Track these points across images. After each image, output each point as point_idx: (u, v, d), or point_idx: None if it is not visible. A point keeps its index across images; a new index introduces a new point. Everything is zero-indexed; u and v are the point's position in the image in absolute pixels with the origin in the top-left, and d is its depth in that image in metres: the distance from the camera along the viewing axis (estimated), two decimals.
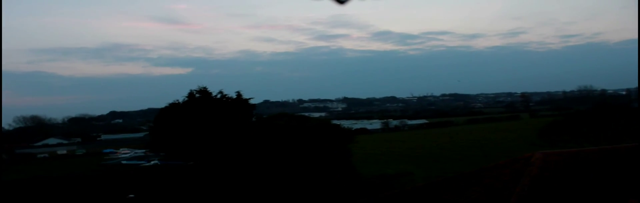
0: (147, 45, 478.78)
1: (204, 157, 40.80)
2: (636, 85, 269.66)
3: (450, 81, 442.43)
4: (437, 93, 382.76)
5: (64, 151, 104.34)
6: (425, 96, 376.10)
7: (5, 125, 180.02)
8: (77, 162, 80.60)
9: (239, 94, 46.12)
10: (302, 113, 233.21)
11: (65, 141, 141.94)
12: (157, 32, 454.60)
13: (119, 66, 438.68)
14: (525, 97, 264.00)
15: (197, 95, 45.85)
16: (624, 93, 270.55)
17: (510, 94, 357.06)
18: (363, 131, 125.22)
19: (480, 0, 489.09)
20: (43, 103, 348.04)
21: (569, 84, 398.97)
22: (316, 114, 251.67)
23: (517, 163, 14.23)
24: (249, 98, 46.32)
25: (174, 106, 46.43)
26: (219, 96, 45.95)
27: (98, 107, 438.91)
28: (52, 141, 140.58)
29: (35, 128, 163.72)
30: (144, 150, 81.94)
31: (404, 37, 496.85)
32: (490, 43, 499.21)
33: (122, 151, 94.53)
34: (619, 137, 42.83)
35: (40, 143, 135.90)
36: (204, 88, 45.97)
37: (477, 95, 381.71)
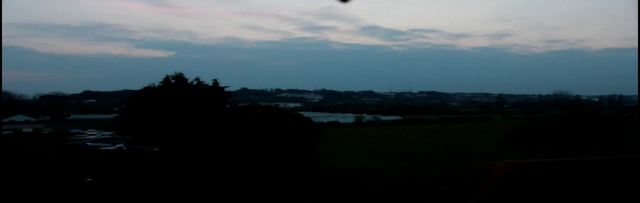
0: (131, 26, 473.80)
1: (170, 143, 40.38)
2: (609, 93, 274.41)
3: (430, 79, 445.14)
4: (415, 90, 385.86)
5: (30, 130, 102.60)
6: (403, 93, 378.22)
7: None
8: (41, 141, 79.31)
9: (215, 82, 45.65)
10: (278, 103, 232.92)
11: (33, 119, 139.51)
12: (143, 14, 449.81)
13: (100, 45, 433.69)
14: (501, 99, 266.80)
15: (172, 81, 45.33)
16: (596, 99, 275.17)
17: (487, 95, 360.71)
18: (336, 124, 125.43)
19: (471, 1, 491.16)
20: (16, 78, 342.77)
21: (546, 89, 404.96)
22: (292, 105, 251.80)
23: (478, 171, 14.14)
24: (225, 86, 45.86)
25: (148, 90, 45.84)
26: (195, 82, 45.48)
27: (73, 86, 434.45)
28: (19, 118, 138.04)
29: (4, 104, 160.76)
30: (111, 132, 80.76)
31: (391, 33, 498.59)
32: (476, 44, 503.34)
33: (89, 132, 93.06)
34: (585, 145, 43.41)
35: (6, 120, 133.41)
36: (180, 73, 45.45)
37: (454, 94, 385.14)
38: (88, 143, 68.15)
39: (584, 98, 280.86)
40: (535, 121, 55.79)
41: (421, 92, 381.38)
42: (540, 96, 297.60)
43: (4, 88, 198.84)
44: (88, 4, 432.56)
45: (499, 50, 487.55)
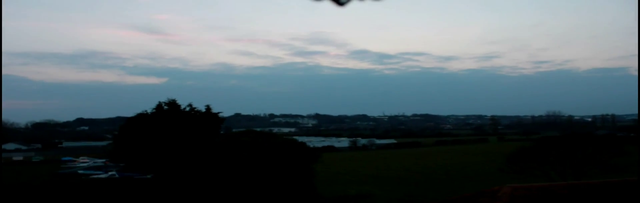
0: (124, 53, 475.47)
1: (164, 170, 39.64)
2: (601, 113, 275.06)
3: (423, 101, 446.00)
4: (409, 113, 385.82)
5: (21, 158, 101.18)
6: (396, 116, 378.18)
7: None
8: (31, 170, 77.93)
9: (208, 108, 45.28)
10: (272, 128, 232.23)
11: (24, 147, 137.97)
12: (135, 41, 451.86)
13: (92, 73, 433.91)
14: (495, 120, 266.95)
15: (165, 107, 44.88)
16: (589, 119, 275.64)
17: (480, 116, 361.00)
18: (330, 148, 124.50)
19: (457, 24, 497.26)
20: (9, 106, 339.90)
21: (538, 109, 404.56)
22: (286, 130, 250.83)
23: (484, 196, 13.64)
24: (218, 112, 45.47)
25: (141, 117, 45.39)
26: (187, 109, 45.06)
27: (65, 113, 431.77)
28: (10, 146, 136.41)
29: None
30: (103, 160, 79.69)
31: (380, 57, 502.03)
32: (465, 66, 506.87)
33: (81, 160, 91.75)
34: (584, 165, 42.92)
35: None
36: (173, 100, 45.08)
37: (448, 116, 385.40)
38: (80, 171, 67.13)
39: (577, 118, 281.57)
40: (532, 142, 55.41)
41: (414, 115, 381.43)
42: (533, 117, 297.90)
43: None
44: (81, 32, 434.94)
45: (488, 72, 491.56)
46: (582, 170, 42.07)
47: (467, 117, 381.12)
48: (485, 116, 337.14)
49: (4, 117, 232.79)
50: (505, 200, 12.62)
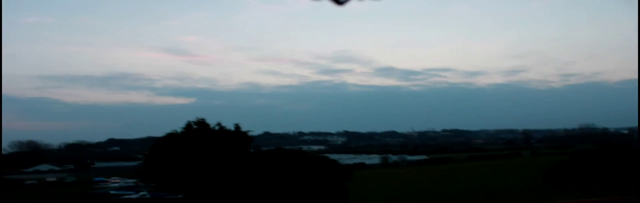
0: (153, 75, 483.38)
1: (194, 190, 39.23)
2: (637, 124, 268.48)
3: (452, 117, 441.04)
4: (438, 129, 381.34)
5: (54, 179, 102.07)
6: (426, 132, 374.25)
7: None
8: (64, 190, 78.41)
9: (237, 127, 44.96)
10: (302, 146, 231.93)
11: (57, 168, 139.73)
12: (164, 63, 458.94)
13: (123, 94, 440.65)
14: (527, 134, 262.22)
15: (194, 126, 44.74)
16: (626, 131, 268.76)
17: (511, 131, 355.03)
18: (361, 166, 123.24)
19: (481, 39, 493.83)
20: (43, 128, 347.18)
21: (571, 122, 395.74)
22: (315, 147, 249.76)
23: None
24: (247, 131, 45.09)
25: (171, 136, 45.39)
26: (217, 128, 44.82)
27: (97, 134, 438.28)
28: (44, 167, 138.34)
29: (30, 154, 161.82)
30: (134, 180, 79.85)
31: (406, 73, 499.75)
32: (492, 80, 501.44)
33: (113, 180, 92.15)
34: (624, 179, 41.24)
35: (31, 169, 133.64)
36: (202, 119, 44.95)
37: (478, 131, 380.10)
38: (111, 191, 67.17)
39: (612, 130, 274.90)
40: (568, 156, 53.73)
41: (444, 130, 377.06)
42: (566, 130, 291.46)
43: (30, 138, 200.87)
44: (111, 55, 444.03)
45: (516, 86, 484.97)
46: (626, 185, 40.42)
47: (498, 131, 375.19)
48: (517, 130, 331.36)
49: (38, 138, 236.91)
50: None
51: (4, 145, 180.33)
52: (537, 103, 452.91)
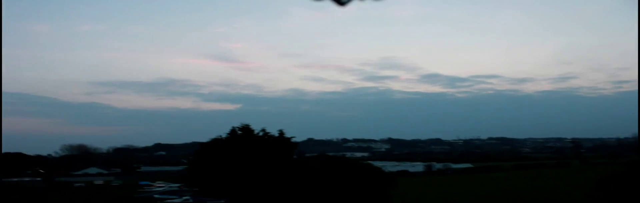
0: (199, 81, 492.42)
1: (238, 195, 39.30)
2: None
3: (498, 124, 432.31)
4: (484, 136, 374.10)
5: (101, 182, 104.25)
6: (471, 139, 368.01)
7: (51, 153, 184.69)
8: (110, 193, 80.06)
9: (281, 133, 45.02)
10: (345, 153, 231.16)
11: (104, 171, 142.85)
12: (211, 69, 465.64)
13: (170, 100, 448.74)
14: (576, 143, 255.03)
15: (239, 132, 44.98)
16: None
17: (559, 139, 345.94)
18: (405, 173, 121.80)
19: (530, 45, 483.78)
20: (93, 132, 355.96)
21: (624, 131, 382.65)
22: (359, 154, 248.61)
23: None
24: (291, 137, 45.07)
25: (215, 142, 45.85)
26: (261, 133, 44.96)
27: (144, 139, 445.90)
28: (92, 170, 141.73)
29: (80, 157, 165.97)
30: (178, 185, 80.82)
31: (452, 80, 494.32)
32: (540, 87, 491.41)
33: (157, 185, 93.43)
34: None
35: (80, 172, 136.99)
36: (247, 125, 45.20)
37: (525, 140, 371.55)
38: (155, 196, 68.08)
39: None
40: (621, 166, 51.77)
41: (490, 138, 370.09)
42: (618, 139, 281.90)
43: (81, 142, 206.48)
44: (159, 62, 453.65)
45: (565, 93, 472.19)
46: None
47: (546, 140, 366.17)
48: (566, 138, 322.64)
49: (88, 142, 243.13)
50: None
51: (55, 148, 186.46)
52: (587, 111, 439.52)
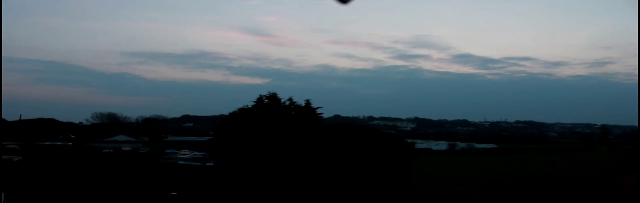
0: (230, 54, 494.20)
1: (256, 160, 39.96)
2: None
3: (527, 108, 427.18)
4: (511, 119, 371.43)
5: (129, 148, 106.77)
6: (498, 122, 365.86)
7: (83, 120, 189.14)
8: (137, 159, 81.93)
9: (307, 103, 45.24)
10: None
11: (133, 139, 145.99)
12: (242, 42, 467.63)
13: (200, 72, 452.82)
14: (606, 129, 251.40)
15: (266, 100, 45.38)
16: None
17: (588, 125, 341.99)
18: (427, 151, 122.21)
19: (566, 28, 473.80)
20: (123, 102, 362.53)
21: None
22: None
23: (599, 186, 12.40)
24: (317, 107, 45.32)
25: (242, 111, 46.25)
26: (287, 103, 45.31)
27: (173, 110, 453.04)
28: (121, 138, 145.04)
29: (109, 125, 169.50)
30: (203, 153, 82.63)
31: (484, 61, 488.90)
32: (574, 72, 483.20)
33: (183, 152, 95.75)
34: None
35: (110, 139, 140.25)
36: (274, 93, 45.45)
37: (553, 124, 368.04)
38: (180, 162, 69.99)
39: None
40: None
41: (517, 121, 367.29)
42: None
43: (111, 110, 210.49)
44: (192, 33, 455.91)
45: (600, 78, 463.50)
46: None
47: (575, 125, 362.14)
48: (595, 124, 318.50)
49: (118, 111, 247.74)
50: (629, 190, 11.38)
51: (87, 116, 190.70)
52: (621, 98, 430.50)
